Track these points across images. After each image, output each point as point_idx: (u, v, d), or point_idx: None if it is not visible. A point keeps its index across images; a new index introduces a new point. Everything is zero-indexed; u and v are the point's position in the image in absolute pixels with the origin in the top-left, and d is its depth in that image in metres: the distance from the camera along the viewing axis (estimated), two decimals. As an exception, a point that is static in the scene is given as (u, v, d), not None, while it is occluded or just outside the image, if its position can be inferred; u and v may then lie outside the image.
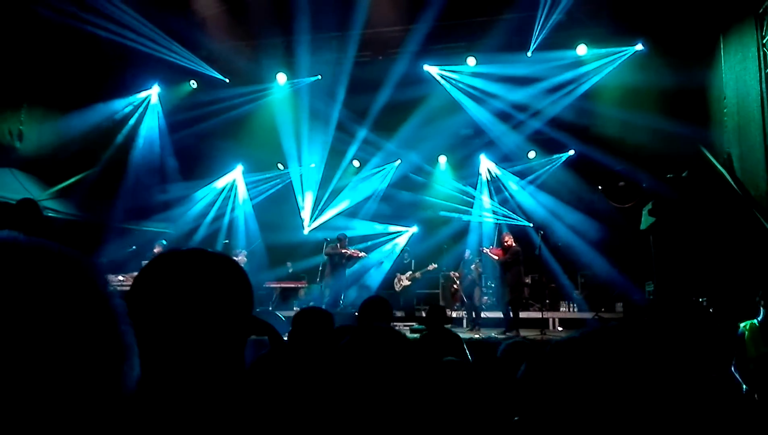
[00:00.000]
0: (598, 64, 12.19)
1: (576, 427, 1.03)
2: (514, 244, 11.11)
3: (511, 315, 10.73)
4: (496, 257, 11.17)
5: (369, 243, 14.52)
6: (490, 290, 13.25)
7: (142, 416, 0.95)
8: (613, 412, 1.01)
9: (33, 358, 0.57)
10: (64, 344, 0.59)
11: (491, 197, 15.03)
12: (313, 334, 3.37)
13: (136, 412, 0.92)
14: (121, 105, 13.18)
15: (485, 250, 11.66)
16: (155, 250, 11.42)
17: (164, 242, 11.78)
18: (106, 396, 0.63)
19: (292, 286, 13.06)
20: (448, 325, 7.51)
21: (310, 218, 15.30)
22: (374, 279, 13.98)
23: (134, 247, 11.65)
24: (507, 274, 10.84)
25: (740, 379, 4.78)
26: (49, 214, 10.78)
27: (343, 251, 11.94)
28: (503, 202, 14.82)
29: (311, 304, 11.41)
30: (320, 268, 12.66)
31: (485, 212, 14.84)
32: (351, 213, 15.47)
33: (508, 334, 10.14)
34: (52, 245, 0.64)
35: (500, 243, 11.54)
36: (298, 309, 4.10)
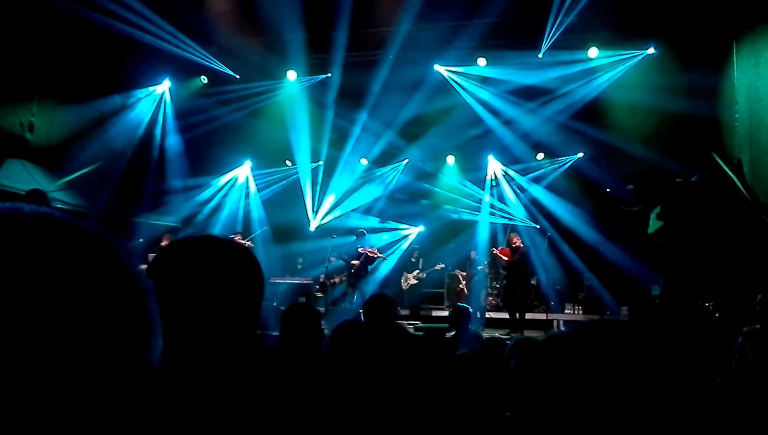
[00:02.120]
0: (610, 66, 12.17)
1: (566, 423, 1.03)
2: (522, 245, 11.10)
3: (518, 316, 10.73)
4: (505, 258, 11.16)
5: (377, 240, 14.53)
6: (495, 291, 13.24)
7: (164, 390, 0.97)
8: (604, 409, 1.01)
9: (69, 330, 0.58)
10: (99, 318, 0.61)
11: (498, 198, 15.01)
12: (303, 331, 3.40)
13: (159, 386, 0.94)
14: (132, 98, 13.23)
15: (495, 250, 11.64)
16: (163, 243, 11.48)
17: (169, 235, 11.85)
18: (135, 368, 0.64)
19: (298, 282, 13.09)
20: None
21: (315, 214, 15.33)
22: (380, 275, 13.99)
23: (141, 240, 11.71)
24: (515, 275, 10.84)
25: (739, 382, 4.77)
26: (58, 205, 10.84)
27: (360, 250, 11.95)
28: (510, 203, 14.80)
29: (343, 306, 11.47)
30: (326, 265, 12.66)
31: (492, 213, 14.82)
32: (359, 211, 15.49)
33: (512, 335, 10.14)
34: (83, 223, 0.66)
35: (508, 244, 11.53)
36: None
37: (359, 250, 11.99)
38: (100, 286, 0.61)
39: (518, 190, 14.86)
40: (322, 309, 11.89)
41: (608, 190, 12.61)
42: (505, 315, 11.84)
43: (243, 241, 12.13)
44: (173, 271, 1.11)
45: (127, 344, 0.63)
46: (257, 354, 1.16)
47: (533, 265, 11.95)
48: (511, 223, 14.18)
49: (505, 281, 12.06)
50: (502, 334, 10.20)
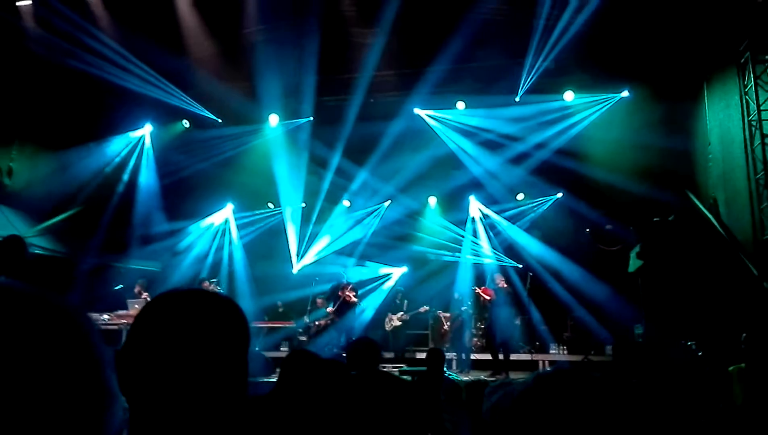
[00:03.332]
0: (586, 109, 12.46)
1: None
2: (506, 286, 11.13)
3: (501, 357, 10.66)
4: (488, 297, 11.16)
5: (360, 281, 14.45)
6: (479, 332, 13.18)
7: None
8: None
9: (19, 402, 0.57)
10: (51, 390, 0.60)
11: (480, 238, 15.08)
12: (304, 378, 3.33)
13: None
14: (112, 143, 13.22)
15: (477, 289, 11.65)
16: (135, 290, 11.33)
17: (142, 281, 11.70)
18: None
19: (280, 325, 12.94)
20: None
21: (298, 256, 15.26)
22: (364, 319, 13.88)
23: (121, 286, 11.55)
24: (498, 315, 10.83)
25: (727, 425, 4.75)
26: (36, 251, 10.70)
27: (339, 294, 11.94)
28: (492, 244, 14.86)
29: (327, 347, 11.36)
30: (308, 307, 12.61)
31: (474, 253, 14.87)
32: (341, 253, 15.45)
33: (497, 376, 10.06)
34: (42, 292, 0.65)
35: (492, 283, 11.55)
36: (286, 349, 4.05)
37: (339, 293, 11.96)
38: (53, 357, 0.61)
39: (499, 231, 14.95)
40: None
41: (587, 229, 12.74)
42: (490, 356, 11.79)
43: (210, 285, 12.03)
44: (153, 335, 1.09)
45: (80, 413, 0.62)
46: (245, 409, 1.13)
47: (517, 305, 11.96)
48: (493, 263, 14.23)
49: (487, 322, 12.05)
50: (487, 376, 10.14)
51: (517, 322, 12.31)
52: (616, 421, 1.03)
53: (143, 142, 13.78)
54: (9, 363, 0.58)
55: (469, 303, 12.43)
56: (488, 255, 14.65)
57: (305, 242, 15.36)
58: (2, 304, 0.62)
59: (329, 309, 11.88)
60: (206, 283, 11.96)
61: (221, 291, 11.87)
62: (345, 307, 11.90)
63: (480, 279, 13.84)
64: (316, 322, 12.67)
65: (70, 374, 0.62)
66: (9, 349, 0.59)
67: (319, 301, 12.60)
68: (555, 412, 1.02)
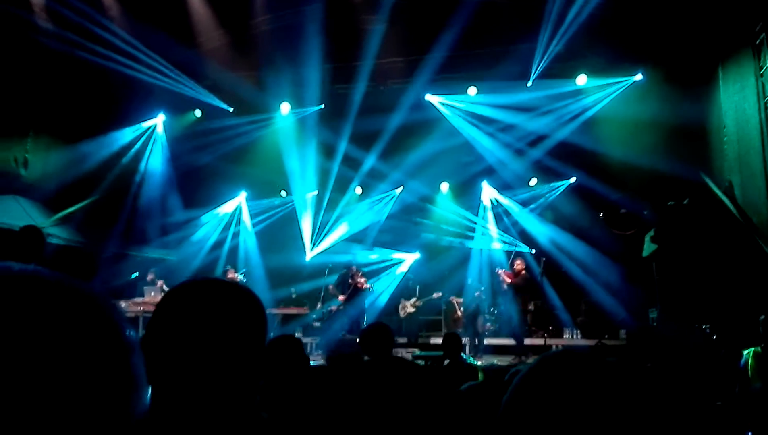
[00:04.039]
0: (599, 93, 12.35)
1: None
2: (524, 270, 11.15)
3: (514, 342, 10.71)
4: (509, 280, 11.17)
5: (372, 268, 14.49)
6: (492, 317, 13.20)
7: None
8: None
9: (47, 388, 0.60)
10: (79, 375, 0.62)
11: (493, 224, 15.05)
12: (285, 361, 3.38)
13: None
14: (126, 133, 13.30)
15: (500, 271, 11.60)
16: (148, 278, 11.46)
17: (155, 269, 11.84)
18: (117, 422, 0.66)
19: (294, 312, 13.03)
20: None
21: (312, 244, 15.32)
22: (377, 305, 13.93)
23: (137, 274, 11.68)
24: (518, 299, 10.87)
25: (744, 408, 4.75)
26: (53, 241, 10.83)
27: (350, 281, 11.97)
28: (505, 229, 14.83)
29: (340, 332, 11.43)
30: (321, 294, 12.68)
31: (487, 239, 14.85)
32: (354, 239, 15.49)
33: (517, 360, 10.11)
34: (70, 280, 0.68)
35: (511, 267, 11.52)
36: (300, 336, 4.09)
37: (349, 280, 12.00)
38: (82, 344, 0.63)
39: (512, 216, 14.92)
40: (319, 338, 11.85)
41: (601, 214, 12.66)
42: (504, 341, 11.81)
43: (235, 275, 12.13)
44: (174, 324, 1.12)
45: (108, 399, 0.64)
46: (257, 401, 1.16)
47: (532, 290, 11.93)
48: (506, 248, 14.21)
49: (502, 306, 12.07)
50: (500, 361, 10.18)
51: (531, 307, 12.29)
52: (625, 406, 1.02)
53: (156, 132, 13.85)
54: (41, 349, 0.61)
55: (482, 288, 12.43)
56: (501, 240, 14.62)
57: (317, 230, 15.41)
58: (33, 291, 0.64)
59: (341, 297, 11.92)
60: (231, 273, 12.06)
61: (244, 281, 11.96)
62: (356, 293, 11.95)
63: (497, 263, 13.83)
64: (330, 309, 12.75)
65: (100, 360, 0.65)
66: (41, 336, 0.61)
67: (330, 287, 12.67)
68: (559, 394, 1.01)
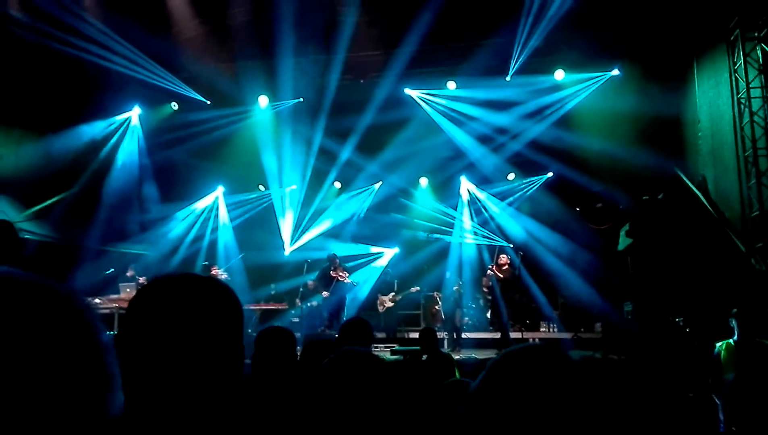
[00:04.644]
0: (576, 88, 12.45)
1: None
2: (508, 265, 11.27)
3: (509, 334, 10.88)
4: (501, 275, 11.27)
5: (351, 263, 14.47)
6: (470, 311, 13.28)
7: None
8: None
9: (19, 388, 0.59)
10: (53, 377, 0.61)
11: (471, 218, 15.13)
12: (277, 355, 3.36)
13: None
14: (100, 126, 13.09)
15: (491, 267, 11.64)
16: (128, 274, 11.31)
17: (135, 265, 11.70)
18: (91, 424, 0.65)
19: (273, 308, 12.97)
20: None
21: (290, 239, 15.25)
22: (356, 301, 13.93)
23: (112, 270, 11.52)
24: (503, 293, 11.00)
25: (717, 400, 4.84)
26: (26, 236, 10.64)
27: (332, 274, 11.93)
28: (483, 223, 14.91)
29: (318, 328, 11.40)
30: (300, 289, 12.63)
31: (466, 233, 14.91)
32: (332, 234, 15.45)
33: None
34: (42, 279, 0.66)
35: (496, 262, 11.61)
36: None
37: (331, 274, 11.98)
38: (54, 344, 0.62)
39: (491, 210, 14.99)
40: (299, 334, 11.78)
41: (578, 208, 12.80)
42: (483, 335, 11.92)
43: (218, 271, 12.03)
44: (149, 319, 1.10)
45: (82, 398, 0.63)
46: (238, 395, 1.15)
47: (515, 284, 12.03)
48: (485, 242, 14.29)
49: (480, 301, 12.15)
50: (480, 356, 10.26)
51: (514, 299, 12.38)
52: (584, 400, 1.06)
53: (132, 124, 13.65)
54: (11, 350, 0.59)
55: (460, 282, 12.50)
56: (479, 235, 14.70)
57: (296, 225, 15.34)
58: (4, 292, 0.63)
59: (325, 294, 11.88)
60: (214, 269, 11.97)
61: (227, 277, 11.86)
62: (337, 287, 11.94)
63: (482, 259, 13.93)
64: (310, 304, 12.71)
65: (72, 360, 0.64)
66: (11, 337, 0.60)
67: (310, 283, 12.62)
68: (519, 388, 1.07)
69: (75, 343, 0.64)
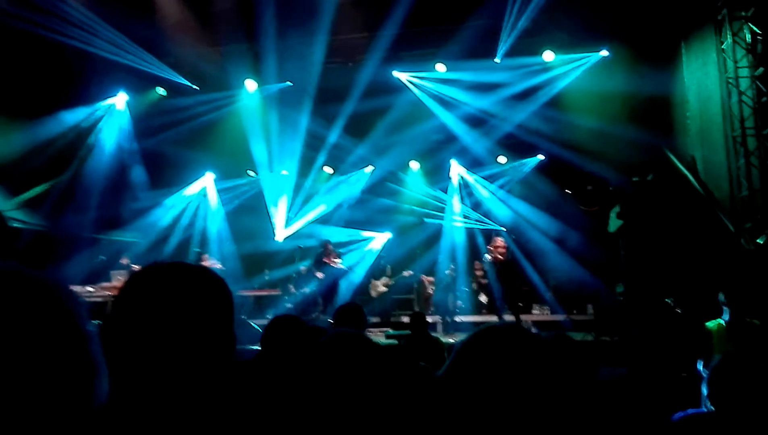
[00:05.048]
0: (565, 69, 12.42)
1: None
2: (504, 248, 11.33)
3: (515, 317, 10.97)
4: (501, 258, 11.30)
5: (344, 248, 14.48)
6: (463, 295, 13.35)
7: (118, 427, 0.95)
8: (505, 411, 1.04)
9: (7, 377, 0.58)
10: (36, 366, 0.60)
11: (462, 202, 15.15)
12: (287, 343, 3.35)
13: (110, 424, 0.93)
14: (87, 113, 12.95)
15: (490, 249, 11.65)
16: (122, 261, 11.27)
17: (128, 253, 11.67)
18: (77, 410, 0.64)
19: (266, 294, 12.98)
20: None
21: (284, 225, 15.22)
22: (350, 286, 13.96)
23: (103, 258, 11.47)
24: (500, 277, 11.05)
25: (702, 374, 4.89)
26: (15, 225, 10.56)
27: (325, 260, 11.90)
28: (475, 207, 14.95)
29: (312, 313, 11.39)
30: (294, 275, 12.64)
31: (457, 217, 14.95)
32: (324, 220, 15.44)
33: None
34: (24, 269, 0.65)
35: (494, 245, 11.64)
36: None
37: (324, 260, 11.96)
38: (37, 334, 0.61)
39: (482, 194, 15.03)
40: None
41: (568, 190, 12.84)
42: (478, 318, 11.99)
43: (210, 261, 11.99)
44: (138, 308, 1.09)
45: (66, 387, 0.63)
46: (230, 378, 1.15)
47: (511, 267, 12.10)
48: (476, 226, 14.34)
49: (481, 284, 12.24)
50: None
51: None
52: (550, 378, 1.08)
53: (119, 110, 13.51)
54: None
55: (451, 266, 12.54)
56: (471, 219, 14.74)
57: (287, 211, 15.30)
58: None
59: (319, 274, 11.83)
60: (204, 257, 11.92)
61: (220, 266, 11.84)
62: (330, 272, 11.93)
63: (474, 243, 13.98)
64: (300, 290, 12.73)
65: (56, 349, 0.63)
66: None
67: (303, 269, 12.61)
68: (485, 367, 1.09)
69: (58, 331, 0.64)
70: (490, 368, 1.07)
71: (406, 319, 12.30)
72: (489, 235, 12.53)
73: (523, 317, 11.99)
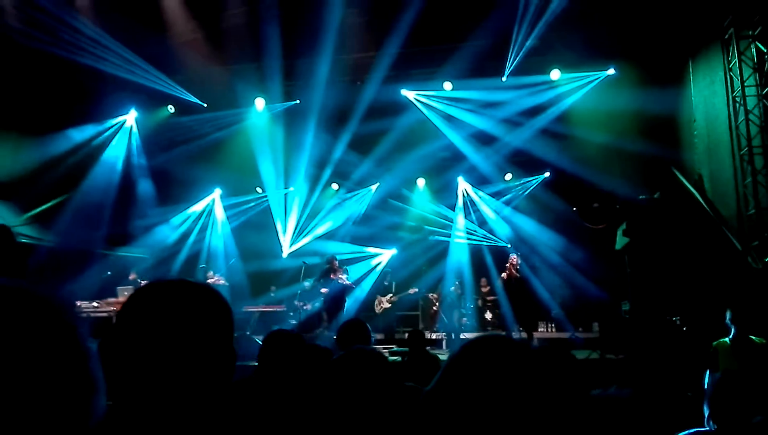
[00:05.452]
0: (572, 87, 12.45)
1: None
2: (517, 264, 11.32)
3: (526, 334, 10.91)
4: (516, 274, 11.27)
5: (349, 265, 14.44)
6: (469, 312, 13.29)
7: None
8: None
9: (7, 393, 0.59)
10: (36, 383, 0.61)
11: (468, 218, 15.13)
12: (284, 357, 3.37)
13: None
14: (97, 130, 13.08)
15: (508, 268, 11.61)
16: (130, 277, 11.31)
17: (137, 268, 11.71)
18: (74, 426, 0.65)
19: (271, 310, 12.96)
20: (428, 347, 7.55)
21: (289, 242, 15.23)
22: (355, 302, 13.91)
23: (110, 273, 11.51)
24: (518, 293, 11.03)
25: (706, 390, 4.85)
26: (24, 241, 10.62)
27: (332, 276, 11.86)
28: (481, 224, 14.92)
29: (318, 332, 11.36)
30: (299, 292, 12.60)
31: (462, 234, 14.92)
32: (330, 236, 15.44)
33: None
34: (27, 286, 0.67)
35: (510, 263, 11.61)
36: None
37: (330, 276, 11.93)
38: (37, 350, 0.62)
39: (488, 211, 15.00)
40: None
41: (574, 208, 12.81)
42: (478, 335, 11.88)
43: (215, 277, 12.00)
44: (138, 326, 1.11)
45: (64, 403, 0.64)
46: (229, 395, 1.16)
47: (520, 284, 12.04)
48: (482, 243, 14.30)
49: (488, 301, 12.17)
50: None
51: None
52: (541, 389, 1.08)
53: (129, 127, 13.64)
54: None
55: (456, 283, 12.50)
56: (477, 235, 14.71)
57: (294, 227, 15.32)
58: None
59: (324, 290, 11.80)
60: (210, 274, 11.92)
61: (224, 282, 11.86)
62: (335, 289, 11.89)
63: (481, 260, 13.95)
64: (305, 305, 12.69)
65: (55, 366, 0.64)
66: None
67: (308, 286, 12.59)
68: (475, 378, 1.10)
69: (58, 348, 0.65)
70: (478, 379, 1.08)
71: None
72: (499, 252, 12.48)
73: (535, 334, 11.94)
